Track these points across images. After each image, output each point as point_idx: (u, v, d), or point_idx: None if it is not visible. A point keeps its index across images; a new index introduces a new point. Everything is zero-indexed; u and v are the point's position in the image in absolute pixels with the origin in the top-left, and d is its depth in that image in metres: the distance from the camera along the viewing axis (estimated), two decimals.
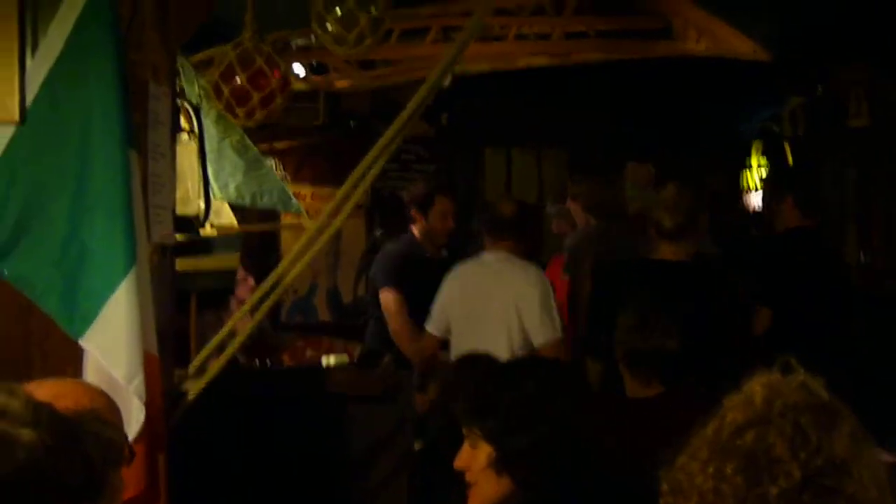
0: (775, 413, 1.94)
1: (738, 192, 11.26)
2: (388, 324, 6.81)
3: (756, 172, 10.95)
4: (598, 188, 7.84)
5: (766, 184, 10.35)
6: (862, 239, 9.81)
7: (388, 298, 6.85)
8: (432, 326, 6.34)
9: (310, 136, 9.99)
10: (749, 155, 11.08)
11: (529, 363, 3.32)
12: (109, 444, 2.24)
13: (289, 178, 9.63)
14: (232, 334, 4.13)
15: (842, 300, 6.98)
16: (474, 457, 2.99)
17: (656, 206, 6.20)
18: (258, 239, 8.51)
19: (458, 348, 6.00)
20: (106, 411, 2.82)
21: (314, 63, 7.45)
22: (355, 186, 3.90)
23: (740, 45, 5.88)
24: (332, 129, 10.11)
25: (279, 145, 9.63)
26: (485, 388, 3.07)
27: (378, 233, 8.90)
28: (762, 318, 6.59)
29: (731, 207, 11.14)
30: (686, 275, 5.99)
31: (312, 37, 6.91)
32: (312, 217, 6.72)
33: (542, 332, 6.10)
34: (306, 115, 9.64)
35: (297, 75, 7.44)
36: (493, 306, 6.14)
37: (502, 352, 5.69)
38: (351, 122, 10.19)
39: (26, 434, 2.00)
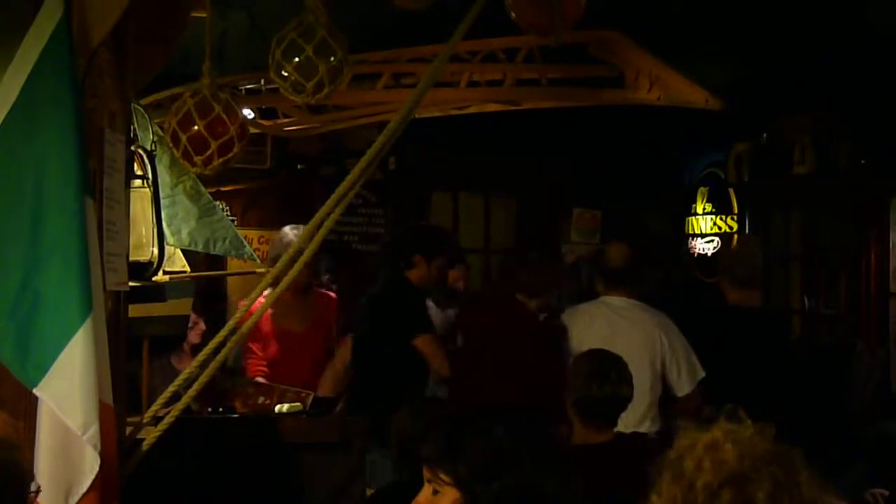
0: (748, 469, 1.96)
1: (683, 237, 11.32)
2: (439, 367, 6.63)
3: (702, 219, 11.02)
4: None
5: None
6: (807, 285, 9.89)
7: (425, 341, 6.65)
8: None
9: (257, 180, 9.97)
10: (694, 201, 11.14)
11: (499, 412, 3.30)
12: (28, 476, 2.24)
13: (236, 221, 9.59)
14: (187, 383, 4.09)
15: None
16: (436, 502, 2.96)
17: (728, 257, 6.83)
18: (206, 285, 8.44)
19: None
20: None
21: (262, 106, 7.42)
22: (312, 235, 3.89)
23: (692, 94, 5.93)
24: (280, 173, 10.10)
25: (226, 188, 9.60)
26: (456, 431, 3.04)
27: (325, 278, 8.84)
28: None
29: (676, 253, 11.22)
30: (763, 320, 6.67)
31: (262, 81, 6.90)
32: (262, 261, 6.68)
33: (688, 384, 6.26)
34: (254, 159, 9.61)
35: (247, 118, 7.41)
36: (634, 350, 5.97)
37: (645, 397, 5.97)
38: (298, 166, 10.18)
39: None
